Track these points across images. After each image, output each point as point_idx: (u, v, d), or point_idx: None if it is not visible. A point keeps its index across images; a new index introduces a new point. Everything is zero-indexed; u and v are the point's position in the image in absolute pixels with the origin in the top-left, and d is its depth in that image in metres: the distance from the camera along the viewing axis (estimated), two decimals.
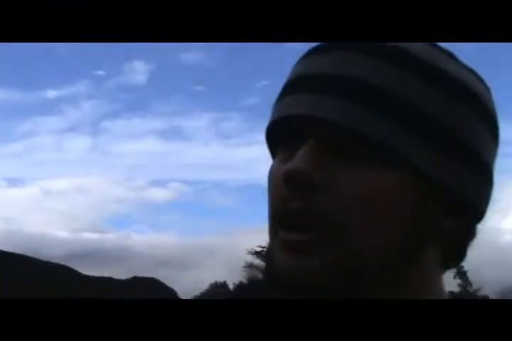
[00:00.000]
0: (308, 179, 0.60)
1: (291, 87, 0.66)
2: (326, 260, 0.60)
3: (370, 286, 0.63)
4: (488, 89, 0.71)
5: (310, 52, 0.68)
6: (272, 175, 0.66)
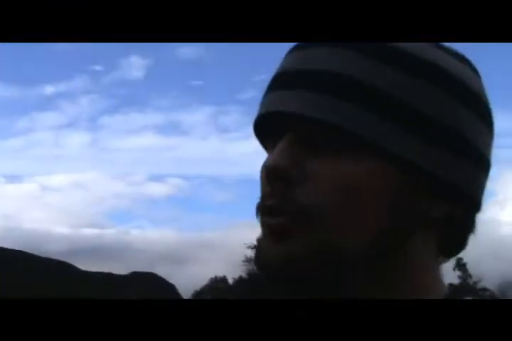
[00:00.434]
0: (285, 174, 0.62)
1: (273, 83, 0.68)
2: (305, 246, 0.62)
3: (351, 274, 0.64)
4: (475, 73, 0.70)
5: (292, 49, 0.69)
6: (261, 168, 0.67)
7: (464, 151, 0.65)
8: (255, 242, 0.67)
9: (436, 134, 0.63)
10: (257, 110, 0.69)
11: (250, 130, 0.71)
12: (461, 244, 0.70)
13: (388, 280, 0.65)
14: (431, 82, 0.64)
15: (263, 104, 0.67)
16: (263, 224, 0.65)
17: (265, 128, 0.68)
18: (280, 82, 0.66)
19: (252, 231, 0.67)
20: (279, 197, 0.63)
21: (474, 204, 0.68)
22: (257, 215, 0.67)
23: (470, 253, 0.75)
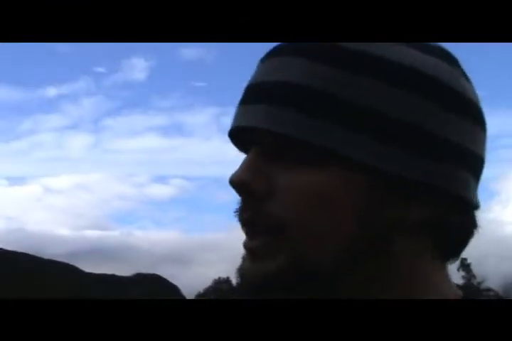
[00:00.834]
0: (248, 189, 0.63)
1: (242, 96, 0.68)
2: (280, 262, 0.62)
3: (330, 283, 0.64)
4: (449, 64, 0.68)
5: (260, 60, 0.70)
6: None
7: (439, 151, 0.63)
8: None
9: (403, 136, 0.62)
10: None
11: None
12: (459, 244, 0.69)
13: (374, 283, 0.66)
14: (390, 83, 0.63)
15: (233, 117, 0.68)
16: (244, 245, 0.67)
17: (237, 141, 0.69)
18: (245, 96, 0.67)
19: None
20: (251, 211, 0.64)
21: (462, 204, 0.66)
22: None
23: (474, 254, 0.73)
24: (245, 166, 0.64)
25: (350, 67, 0.63)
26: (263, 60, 0.69)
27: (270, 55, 0.68)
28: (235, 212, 0.66)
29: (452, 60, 0.68)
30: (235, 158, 0.69)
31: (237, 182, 0.63)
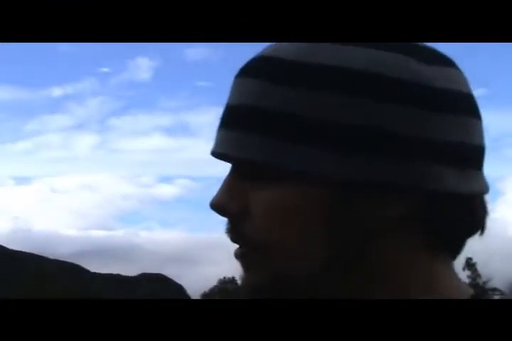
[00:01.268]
0: (224, 211, 0.66)
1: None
2: (262, 274, 0.65)
3: (310, 290, 0.66)
4: (403, 55, 0.65)
5: (237, 75, 0.70)
6: None
7: (399, 150, 0.62)
8: None
9: (361, 142, 0.61)
10: None
11: None
12: (453, 237, 0.67)
13: (364, 291, 0.65)
14: (339, 90, 0.62)
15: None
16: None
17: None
18: (220, 120, 0.68)
19: None
20: (232, 232, 0.67)
21: (436, 195, 0.64)
22: None
23: (479, 253, 0.72)
24: (221, 190, 0.67)
25: (286, 81, 0.63)
26: (234, 78, 0.69)
27: (236, 75, 0.69)
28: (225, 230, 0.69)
29: (402, 47, 0.66)
30: None
31: (213, 206, 0.67)
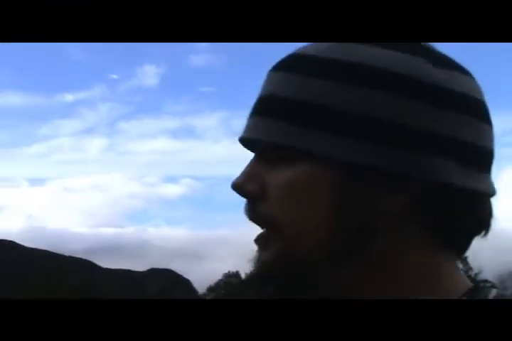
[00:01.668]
0: (243, 191, 0.68)
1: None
2: (274, 251, 0.66)
3: (318, 273, 0.66)
4: (411, 54, 0.66)
5: (270, 70, 0.71)
6: None
7: (405, 139, 0.63)
8: None
9: (372, 131, 0.63)
10: None
11: None
12: (454, 232, 0.66)
13: (362, 272, 0.65)
14: (350, 83, 0.64)
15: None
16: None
17: (246, 147, 0.73)
18: (252, 107, 0.71)
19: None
20: (251, 211, 0.68)
21: (444, 189, 0.64)
22: None
23: (471, 248, 0.72)
24: (242, 172, 0.69)
25: (320, 75, 0.65)
26: (267, 73, 0.71)
27: (272, 69, 0.71)
28: (244, 211, 0.70)
29: (417, 50, 0.67)
30: (241, 158, 0.73)
31: (234, 187, 0.68)
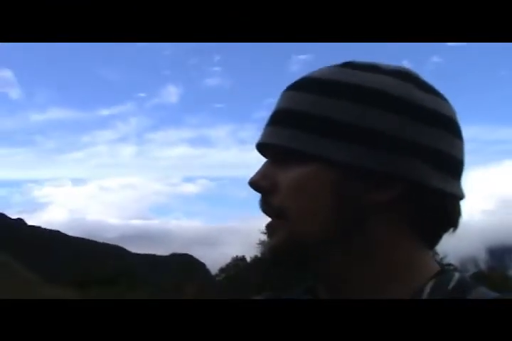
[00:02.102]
0: (258, 187, 0.69)
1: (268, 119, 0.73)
2: (280, 236, 0.66)
3: (319, 256, 0.66)
4: (405, 82, 0.67)
5: (285, 90, 0.72)
6: None
7: (392, 146, 0.64)
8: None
9: (366, 138, 0.64)
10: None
11: None
12: (431, 225, 0.66)
13: (353, 257, 0.65)
14: (351, 100, 0.65)
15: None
16: None
17: (260, 152, 0.74)
18: (268, 119, 0.72)
19: (264, 221, 0.71)
20: (264, 204, 0.69)
21: (424, 189, 0.65)
22: None
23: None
24: (258, 172, 0.70)
25: (326, 93, 0.66)
26: (282, 93, 0.72)
27: (285, 90, 0.71)
28: (258, 204, 0.70)
29: (407, 77, 0.68)
30: (247, 164, 0.72)
31: (251, 183, 0.69)
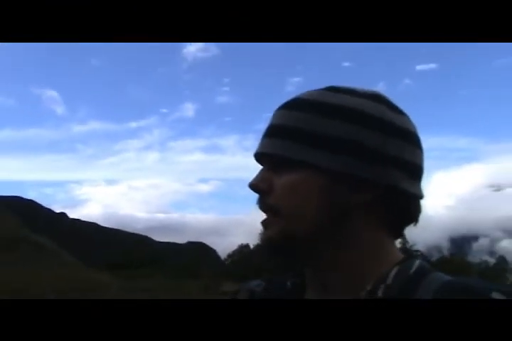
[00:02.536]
0: (256, 189, 0.69)
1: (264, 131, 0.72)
2: (274, 230, 0.66)
3: (308, 249, 0.66)
4: (375, 101, 0.68)
5: (277, 108, 0.71)
6: None
7: (372, 157, 0.64)
8: None
9: (348, 149, 0.64)
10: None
11: None
12: (399, 221, 0.67)
13: (338, 247, 0.65)
14: (334, 117, 0.65)
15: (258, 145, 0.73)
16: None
17: (258, 161, 0.73)
18: (264, 132, 0.71)
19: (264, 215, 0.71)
20: (261, 202, 0.69)
21: (394, 191, 0.65)
22: None
23: (407, 227, 0.72)
24: (256, 176, 0.69)
25: (313, 111, 0.66)
26: (278, 109, 0.72)
27: (278, 108, 0.72)
28: (256, 203, 0.70)
29: (379, 99, 0.68)
30: (250, 167, 0.73)
31: (250, 186, 0.69)
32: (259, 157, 0.72)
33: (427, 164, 0.71)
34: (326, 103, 0.67)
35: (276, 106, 0.72)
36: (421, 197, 0.69)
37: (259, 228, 0.69)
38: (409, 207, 0.67)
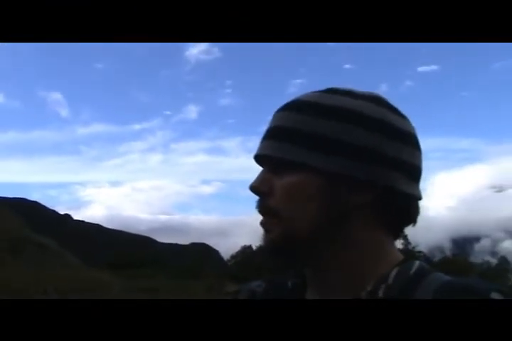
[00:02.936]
0: (257, 191, 0.69)
1: (264, 134, 0.71)
2: (276, 233, 0.66)
3: (308, 249, 0.65)
4: (378, 105, 0.67)
5: (277, 110, 0.71)
6: None
7: (371, 159, 0.64)
8: None
9: (346, 151, 0.64)
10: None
11: None
12: (399, 222, 0.68)
13: (337, 247, 0.65)
14: (333, 119, 0.65)
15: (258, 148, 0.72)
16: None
17: (257, 162, 0.73)
18: (264, 134, 0.71)
19: None
20: (261, 205, 0.69)
21: (392, 192, 0.65)
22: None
23: (409, 229, 0.72)
24: (256, 178, 0.69)
25: (312, 113, 0.66)
26: (275, 113, 0.72)
27: (277, 110, 0.71)
28: (255, 207, 0.70)
29: (379, 101, 0.68)
30: (253, 169, 0.74)
31: (251, 188, 0.69)
32: (259, 159, 0.72)
33: (429, 165, 0.70)
34: (325, 105, 0.67)
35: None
36: (419, 198, 0.69)
37: (262, 229, 0.69)
38: (407, 208, 0.67)
